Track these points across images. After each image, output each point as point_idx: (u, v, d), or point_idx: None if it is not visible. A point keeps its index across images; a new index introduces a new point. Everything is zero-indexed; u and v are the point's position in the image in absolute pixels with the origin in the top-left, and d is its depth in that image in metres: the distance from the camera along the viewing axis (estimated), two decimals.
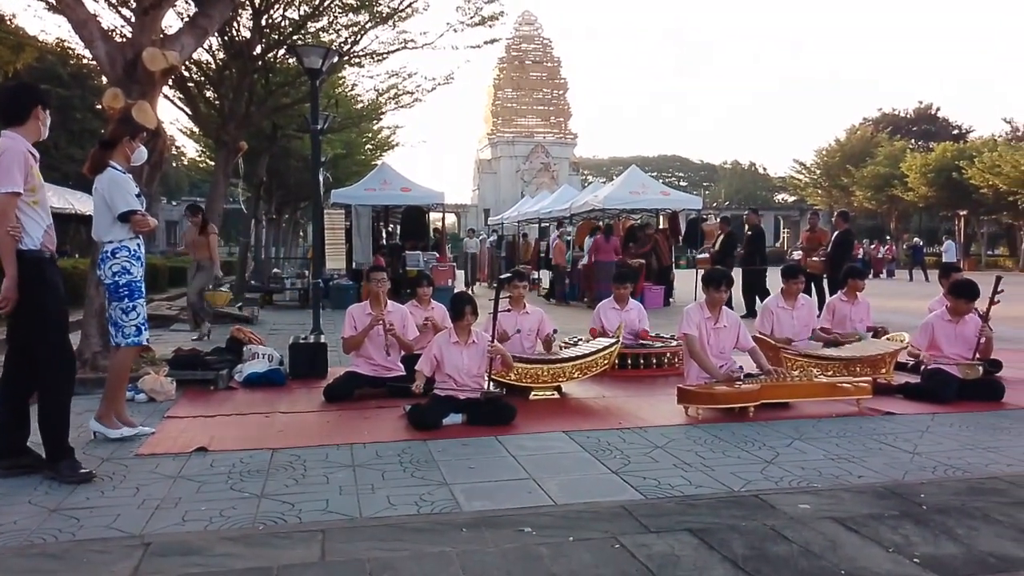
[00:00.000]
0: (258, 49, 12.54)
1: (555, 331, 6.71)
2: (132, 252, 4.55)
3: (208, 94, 13.91)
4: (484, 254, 22.38)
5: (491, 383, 5.40)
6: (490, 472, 4.04)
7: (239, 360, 6.90)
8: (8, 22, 15.64)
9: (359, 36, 13.35)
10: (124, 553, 2.89)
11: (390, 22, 13.16)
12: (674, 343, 7.17)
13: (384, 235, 19.15)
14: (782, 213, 59.70)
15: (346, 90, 19.43)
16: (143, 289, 4.65)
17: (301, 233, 36.26)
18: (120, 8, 9.94)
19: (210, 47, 13.21)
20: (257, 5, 11.95)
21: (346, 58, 13.67)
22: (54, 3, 8.49)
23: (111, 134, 4.71)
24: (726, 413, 5.26)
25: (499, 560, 2.83)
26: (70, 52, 17.71)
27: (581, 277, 15.46)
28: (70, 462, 3.87)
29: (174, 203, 44.77)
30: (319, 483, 3.84)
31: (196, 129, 18.07)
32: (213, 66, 13.75)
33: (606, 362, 6.24)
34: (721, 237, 13.58)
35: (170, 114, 41.44)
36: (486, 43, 14.25)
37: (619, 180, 17.62)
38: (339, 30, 13.54)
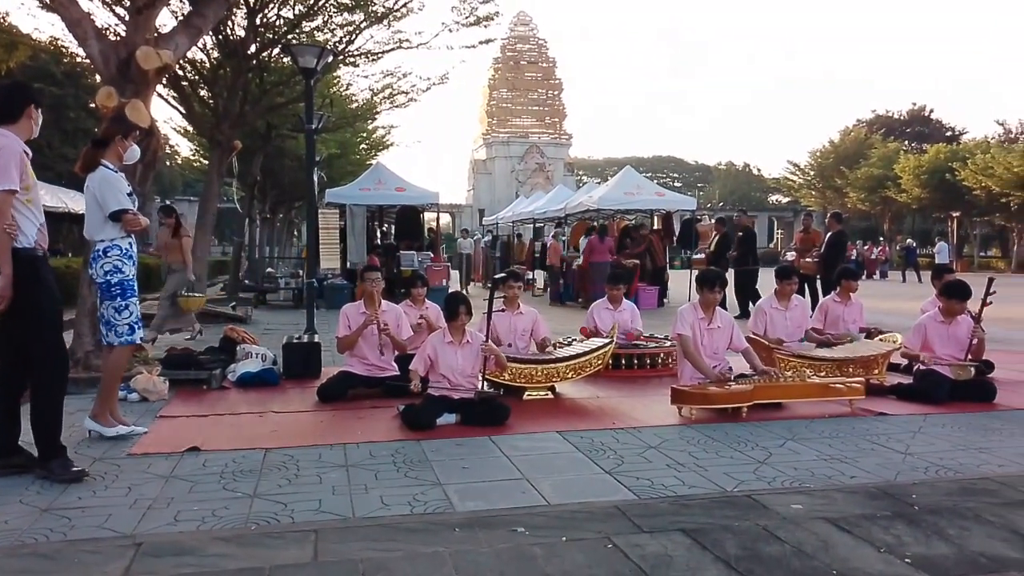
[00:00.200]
0: (252, 48, 12.51)
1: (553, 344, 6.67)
2: (124, 251, 4.53)
3: (202, 93, 13.85)
4: (479, 254, 22.39)
5: (485, 383, 5.40)
6: (484, 472, 4.04)
7: (232, 360, 6.88)
8: (1, 20, 15.55)
9: (354, 35, 13.32)
10: (116, 553, 2.88)
11: (385, 22, 13.13)
12: (668, 343, 7.18)
13: (379, 235, 19.15)
14: (776, 214, 59.86)
15: (341, 89, 19.38)
16: (136, 288, 4.62)
17: (295, 233, 36.20)
18: (114, 7, 9.90)
19: (204, 46, 13.18)
20: (252, 4, 11.91)
21: (341, 57, 13.64)
22: (48, 1, 8.45)
23: (103, 133, 4.68)
24: (719, 413, 5.28)
25: (492, 560, 2.83)
26: (64, 51, 17.59)
27: (576, 278, 15.48)
28: (62, 461, 3.86)
29: (168, 202, 44.61)
30: (312, 483, 3.83)
31: (190, 128, 18.01)
32: (207, 65, 13.71)
33: (600, 362, 6.25)
34: (716, 238, 13.62)
35: (164, 113, 41.45)
36: (481, 43, 14.22)
37: (614, 181, 17.64)
38: (334, 29, 13.52)
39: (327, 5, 12.68)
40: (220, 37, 12.70)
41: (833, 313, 7.20)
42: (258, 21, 12.22)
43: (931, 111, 58.31)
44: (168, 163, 38.88)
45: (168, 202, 44.24)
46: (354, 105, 19.58)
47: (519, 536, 3.06)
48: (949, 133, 54.00)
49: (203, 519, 3.31)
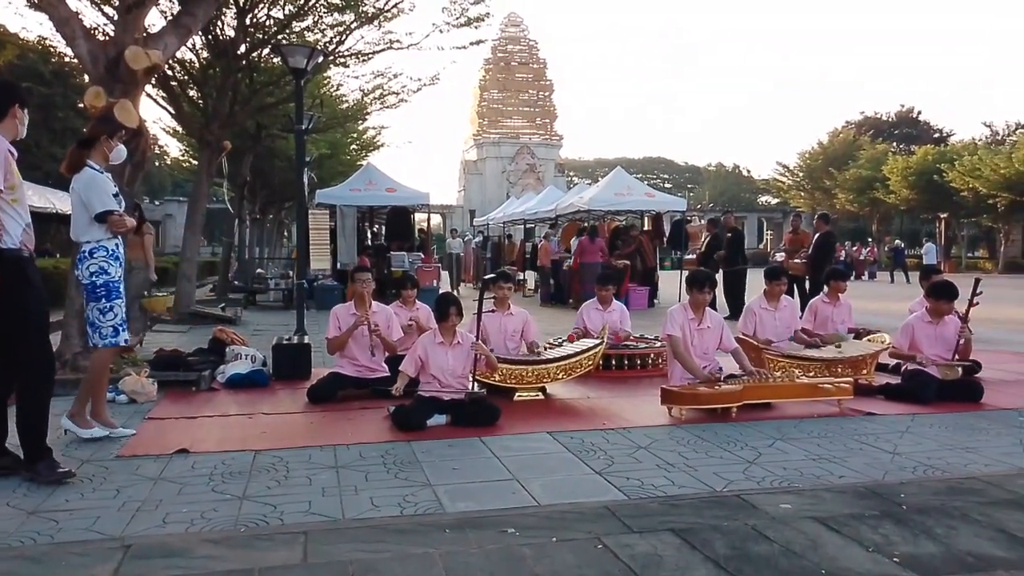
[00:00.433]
0: (242, 48, 12.47)
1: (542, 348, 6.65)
2: (110, 252, 4.50)
3: (192, 93, 13.80)
4: (469, 255, 22.39)
5: (475, 384, 5.40)
6: (474, 473, 4.03)
7: (222, 361, 6.85)
8: None
9: (344, 36, 13.31)
10: (104, 556, 2.87)
11: (375, 22, 13.13)
12: (658, 344, 7.19)
13: (369, 236, 19.12)
14: (765, 215, 60.08)
15: (331, 90, 19.35)
16: (121, 289, 4.59)
17: (285, 233, 36.07)
18: (103, 6, 9.86)
19: (194, 46, 13.12)
20: (241, 4, 11.88)
21: (331, 58, 13.63)
22: (36, 0, 8.40)
23: (89, 132, 4.65)
24: (709, 414, 5.29)
25: (482, 561, 2.83)
26: (52, 50, 17.52)
27: (567, 278, 15.49)
28: (48, 462, 3.82)
29: (157, 203, 44.40)
30: (302, 484, 3.82)
31: (179, 128, 17.92)
32: (197, 65, 13.65)
33: (590, 363, 6.25)
34: (707, 239, 13.65)
35: (153, 113, 41.26)
36: (472, 44, 14.28)
37: (604, 182, 17.69)
38: (324, 30, 13.51)
39: (317, 5, 12.66)
40: (210, 37, 12.66)
41: (822, 314, 7.23)
42: (248, 21, 12.19)
43: (919, 113, 58.88)
44: (157, 163, 38.69)
45: (159, 202, 44.15)
46: (344, 105, 19.56)
47: (509, 537, 3.06)
48: (937, 135, 54.41)
49: (192, 521, 3.29)
